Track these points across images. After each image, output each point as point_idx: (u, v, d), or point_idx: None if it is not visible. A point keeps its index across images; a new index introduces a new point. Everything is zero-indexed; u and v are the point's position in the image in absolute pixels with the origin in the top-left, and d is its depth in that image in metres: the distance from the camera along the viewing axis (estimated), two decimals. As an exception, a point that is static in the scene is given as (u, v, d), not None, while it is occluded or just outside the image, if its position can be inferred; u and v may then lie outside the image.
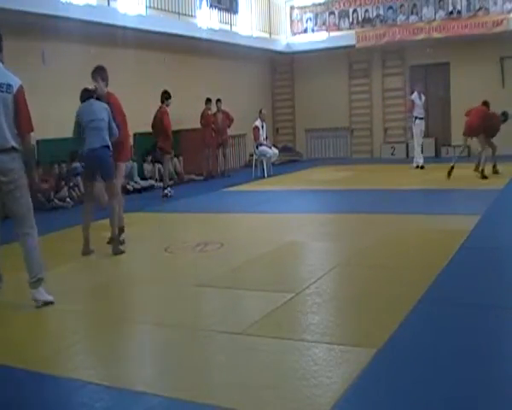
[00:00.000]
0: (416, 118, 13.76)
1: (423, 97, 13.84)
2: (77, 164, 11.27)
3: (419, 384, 3.20)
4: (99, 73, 6.92)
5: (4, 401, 3.31)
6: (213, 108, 14.42)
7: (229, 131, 15.06)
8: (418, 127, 13.78)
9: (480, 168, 11.42)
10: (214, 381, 3.46)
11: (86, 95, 7.05)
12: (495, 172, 11.72)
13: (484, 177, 11.30)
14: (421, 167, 13.73)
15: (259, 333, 4.04)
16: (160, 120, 11.63)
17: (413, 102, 13.80)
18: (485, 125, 11.41)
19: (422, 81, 15.22)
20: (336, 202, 10.05)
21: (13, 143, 4.67)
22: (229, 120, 14.55)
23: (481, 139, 11.61)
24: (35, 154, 10.76)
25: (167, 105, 11.69)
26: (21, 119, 4.72)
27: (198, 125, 14.14)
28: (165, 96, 11.68)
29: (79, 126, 6.82)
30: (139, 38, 12.26)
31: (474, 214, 7.70)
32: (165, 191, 11.63)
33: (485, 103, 11.86)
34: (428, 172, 13.23)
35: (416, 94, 13.79)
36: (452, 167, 11.54)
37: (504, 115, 11.71)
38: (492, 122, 11.55)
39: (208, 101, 14.17)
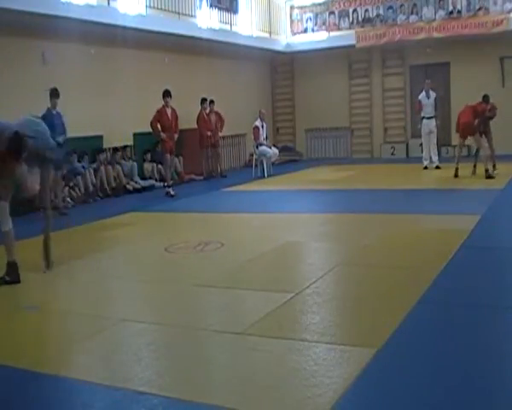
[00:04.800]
0: (423, 118, 13.68)
1: (433, 94, 13.54)
2: (77, 164, 11.29)
3: (419, 384, 3.20)
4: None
5: (5, 400, 3.31)
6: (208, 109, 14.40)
7: (229, 131, 15.04)
8: (426, 127, 13.62)
9: (484, 168, 11.36)
10: (214, 381, 3.46)
11: None
12: (488, 176, 11.23)
13: (489, 176, 11.22)
14: (425, 168, 13.65)
15: (260, 333, 4.04)
16: None
17: (420, 102, 13.73)
18: (477, 116, 11.42)
19: (424, 80, 15.13)
20: (336, 202, 10.05)
21: None
22: (220, 121, 14.51)
23: (477, 138, 11.58)
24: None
25: (165, 104, 11.65)
26: None
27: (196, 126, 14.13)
28: (163, 94, 11.65)
29: None
30: (139, 37, 12.26)
31: (474, 214, 7.70)
32: (167, 190, 11.60)
33: (485, 97, 11.80)
34: (429, 172, 13.23)
35: (423, 93, 13.62)
36: (457, 169, 11.62)
37: (486, 97, 11.70)
38: (481, 108, 11.52)
39: (204, 100, 14.15)
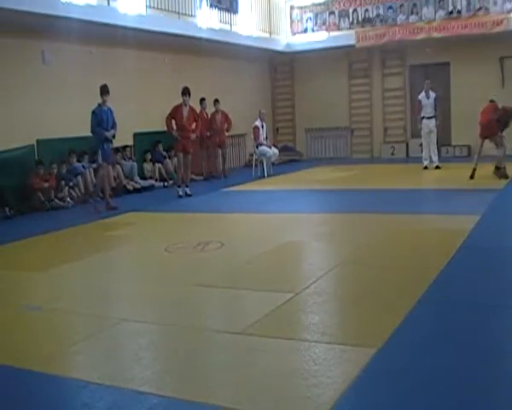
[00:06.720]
0: (423, 118, 13.68)
1: (433, 94, 13.53)
2: (77, 164, 11.29)
3: (418, 384, 3.20)
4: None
5: (5, 400, 3.31)
6: (210, 108, 14.38)
7: (229, 131, 15.03)
8: (425, 127, 13.62)
9: (502, 167, 11.20)
10: (214, 381, 3.46)
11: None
12: (502, 175, 11.09)
13: (503, 176, 11.04)
14: (425, 168, 13.62)
15: (259, 333, 4.04)
16: None
17: (420, 102, 13.72)
18: (498, 116, 11.20)
19: (424, 80, 15.07)
20: (336, 202, 10.05)
21: None
22: (227, 122, 14.49)
23: (497, 139, 11.28)
24: (35, 153, 10.79)
25: (183, 102, 11.35)
26: None
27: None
28: (181, 92, 11.35)
29: None
30: (139, 37, 12.26)
31: (474, 214, 7.69)
32: (185, 189, 11.42)
33: (492, 101, 11.73)
34: (429, 172, 13.23)
35: (423, 93, 13.62)
36: (474, 169, 11.30)
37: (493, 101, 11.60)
38: (505, 112, 11.30)
39: (203, 100, 14.11)
